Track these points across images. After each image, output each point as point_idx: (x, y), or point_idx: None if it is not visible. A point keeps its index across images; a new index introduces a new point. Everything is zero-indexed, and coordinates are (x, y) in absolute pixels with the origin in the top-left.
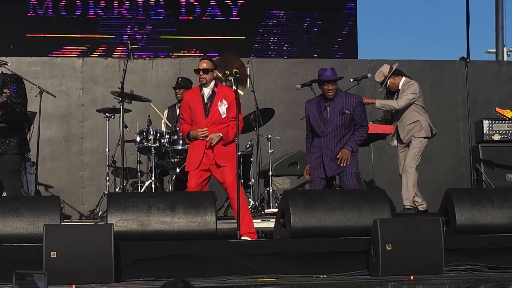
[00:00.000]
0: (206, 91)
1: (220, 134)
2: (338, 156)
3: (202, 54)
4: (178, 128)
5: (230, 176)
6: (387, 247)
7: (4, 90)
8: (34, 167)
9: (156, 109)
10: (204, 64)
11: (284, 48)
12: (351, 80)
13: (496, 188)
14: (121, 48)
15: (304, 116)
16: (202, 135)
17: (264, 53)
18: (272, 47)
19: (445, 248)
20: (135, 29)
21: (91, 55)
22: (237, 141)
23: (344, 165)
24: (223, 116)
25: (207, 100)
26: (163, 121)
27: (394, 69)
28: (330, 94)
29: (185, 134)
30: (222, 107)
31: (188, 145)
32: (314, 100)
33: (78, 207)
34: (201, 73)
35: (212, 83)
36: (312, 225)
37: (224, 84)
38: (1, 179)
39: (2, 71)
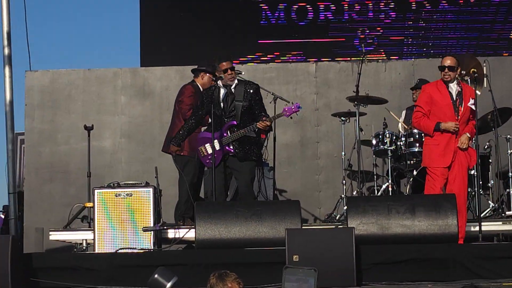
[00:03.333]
0: (454, 87)
1: (469, 136)
2: None
3: (437, 54)
4: (414, 131)
5: (464, 177)
6: None
7: (289, 103)
8: (271, 172)
9: (391, 112)
10: (449, 61)
11: None
12: None
13: None
14: (352, 51)
15: None
16: (456, 128)
17: (499, 50)
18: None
19: None
20: (366, 31)
21: (323, 59)
22: (476, 142)
23: None
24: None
25: (456, 97)
26: (399, 123)
27: None
28: None
29: (428, 126)
30: (473, 106)
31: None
32: None
33: (314, 211)
34: (446, 70)
35: (456, 81)
36: None
37: None
38: (239, 183)
39: (238, 79)
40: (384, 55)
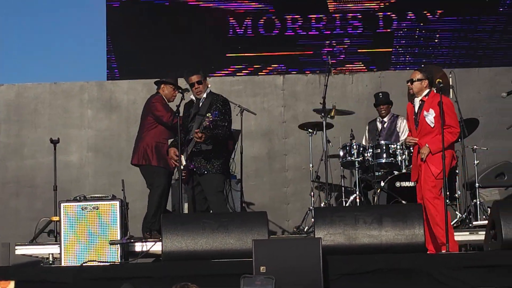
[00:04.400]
0: (417, 101)
1: (428, 146)
2: None
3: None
4: (381, 142)
5: (425, 187)
6: None
7: (207, 115)
8: (239, 184)
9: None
10: (411, 74)
11: (485, 55)
12: None
13: None
14: (319, 63)
15: None
16: (410, 143)
17: (465, 62)
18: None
19: None
20: (333, 44)
21: (291, 72)
22: (443, 152)
23: None
24: (432, 125)
25: (418, 110)
26: (363, 137)
27: None
28: None
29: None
30: (429, 117)
31: None
32: None
33: (283, 224)
34: (408, 83)
35: (424, 92)
36: None
37: None
38: (206, 198)
39: (210, 90)
40: (351, 67)
